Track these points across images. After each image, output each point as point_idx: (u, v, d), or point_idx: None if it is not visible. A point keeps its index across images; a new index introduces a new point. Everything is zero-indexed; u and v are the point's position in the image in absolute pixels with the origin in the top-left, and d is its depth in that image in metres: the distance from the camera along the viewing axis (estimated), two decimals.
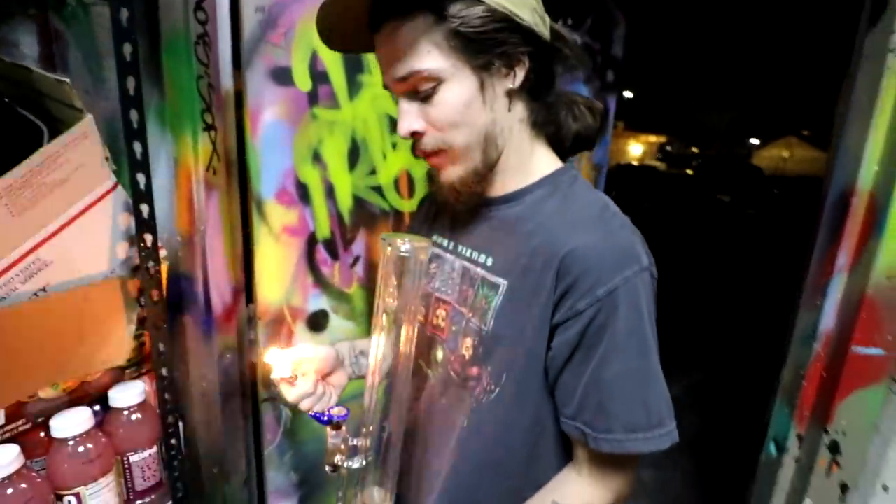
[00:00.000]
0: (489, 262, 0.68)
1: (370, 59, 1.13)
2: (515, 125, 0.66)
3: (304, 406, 0.71)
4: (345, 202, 1.17)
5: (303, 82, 1.06)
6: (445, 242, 0.77)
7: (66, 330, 0.69)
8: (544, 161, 0.70)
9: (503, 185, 0.69)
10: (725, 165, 13.01)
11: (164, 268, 0.79)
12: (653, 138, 21.21)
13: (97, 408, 0.78)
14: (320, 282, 1.19)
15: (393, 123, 1.18)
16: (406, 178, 1.25)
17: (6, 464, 0.62)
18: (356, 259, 1.22)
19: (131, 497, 0.80)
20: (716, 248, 6.45)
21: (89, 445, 0.71)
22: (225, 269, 1.05)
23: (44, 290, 0.66)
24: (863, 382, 0.80)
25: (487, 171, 0.67)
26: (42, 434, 0.74)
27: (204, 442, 1.07)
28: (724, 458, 2.29)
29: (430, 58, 0.58)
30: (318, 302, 1.19)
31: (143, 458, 0.80)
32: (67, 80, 0.61)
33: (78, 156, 0.60)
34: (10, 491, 0.62)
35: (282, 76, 1.04)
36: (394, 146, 1.21)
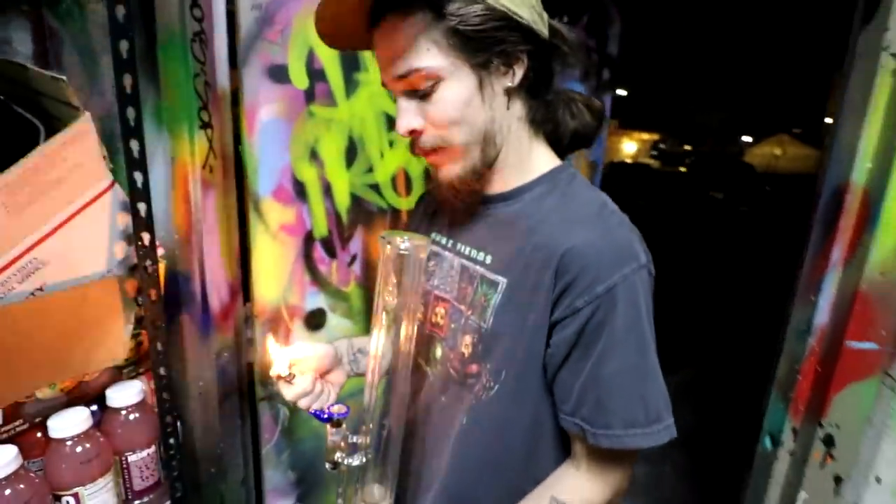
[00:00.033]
0: (488, 259, 0.68)
1: (367, 56, 1.13)
2: (514, 123, 0.66)
3: (302, 404, 0.71)
4: (342, 200, 1.17)
5: (299, 80, 1.06)
6: (444, 240, 0.77)
7: (63, 330, 0.68)
8: (543, 159, 0.70)
9: (502, 182, 0.69)
10: (718, 163, 13.09)
11: (161, 267, 0.78)
12: (646, 136, 21.27)
13: (94, 408, 0.78)
14: (318, 280, 1.18)
15: (390, 121, 1.18)
16: (403, 176, 1.25)
17: (4, 464, 0.61)
18: (354, 257, 1.22)
19: (129, 497, 0.80)
20: (709, 245, 6.49)
21: (87, 445, 0.71)
22: (222, 268, 1.04)
23: (41, 289, 0.65)
24: (857, 376, 0.81)
25: (486, 168, 0.67)
26: (39, 434, 0.73)
27: (201, 441, 1.06)
28: (718, 454, 2.31)
29: (429, 56, 0.58)
30: (316, 300, 1.19)
31: (142, 458, 0.80)
32: (64, 77, 0.60)
33: (76, 154, 0.60)
34: (8, 492, 0.62)
35: (278, 74, 1.04)
36: (391, 144, 1.21)
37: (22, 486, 0.63)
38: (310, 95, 1.08)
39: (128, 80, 0.68)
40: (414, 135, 0.65)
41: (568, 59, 0.69)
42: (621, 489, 0.66)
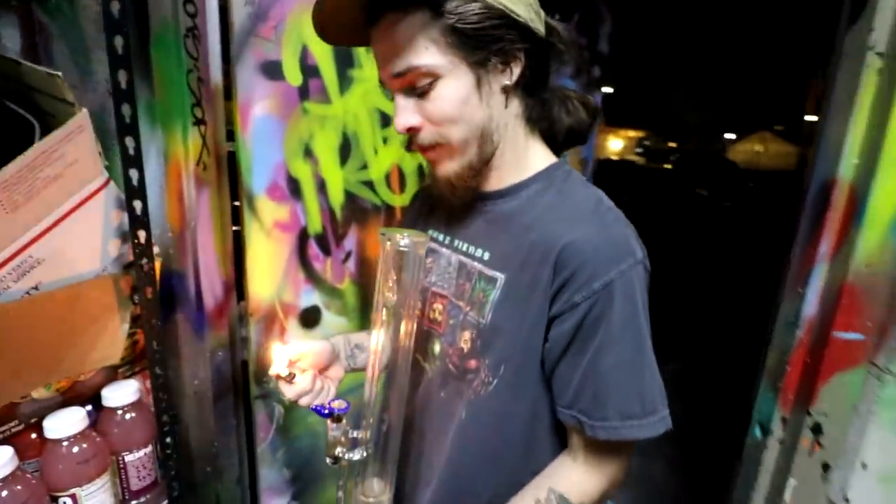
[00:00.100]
0: (486, 256, 0.69)
1: (361, 53, 1.13)
2: (511, 121, 0.66)
3: (303, 402, 0.71)
4: (336, 197, 1.17)
5: (293, 76, 1.05)
6: (441, 237, 0.78)
7: (59, 329, 0.67)
8: (539, 156, 0.71)
9: (499, 179, 0.70)
10: (702, 160, 13.25)
11: (157, 265, 0.77)
12: (632, 133, 21.47)
13: (89, 408, 0.77)
14: (312, 277, 1.18)
15: (384, 118, 1.18)
16: (397, 173, 1.25)
17: (0, 466, 0.60)
18: (348, 254, 1.22)
19: (126, 497, 0.79)
20: (695, 241, 6.59)
21: (84, 446, 0.70)
22: (216, 266, 1.04)
23: (36, 288, 0.64)
24: (843, 366, 0.84)
25: (483, 165, 0.67)
26: (34, 436, 0.72)
27: (196, 440, 1.06)
28: (707, 446, 2.35)
29: (428, 54, 0.59)
30: (311, 298, 1.19)
31: (139, 458, 0.79)
32: (59, 73, 0.60)
33: (72, 151, 0.59)
34: (4, 493, 0.61)
35: (272, 70, 1.03)
36: (385, 141, 1.21)
37: (19, 487, 0.62)
38: (304, 92, 1.07)
39: (123, 77, 0.67)
40: (412, 132, 0.65)
41: (564, 56, 0.69)
42: (618, 480, 0.67)
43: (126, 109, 0.69)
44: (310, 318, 1.20)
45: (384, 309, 0.68)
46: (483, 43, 0.59)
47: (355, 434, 0.70)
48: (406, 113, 0.63)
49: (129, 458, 0.78)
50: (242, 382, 1.15)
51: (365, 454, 0.69)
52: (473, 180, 0.68)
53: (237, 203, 1.06)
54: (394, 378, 0.69)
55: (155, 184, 0.93)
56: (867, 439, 0.80)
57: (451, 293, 0.73)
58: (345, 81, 1.12)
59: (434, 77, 0.59)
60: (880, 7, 0.78)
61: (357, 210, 1.21)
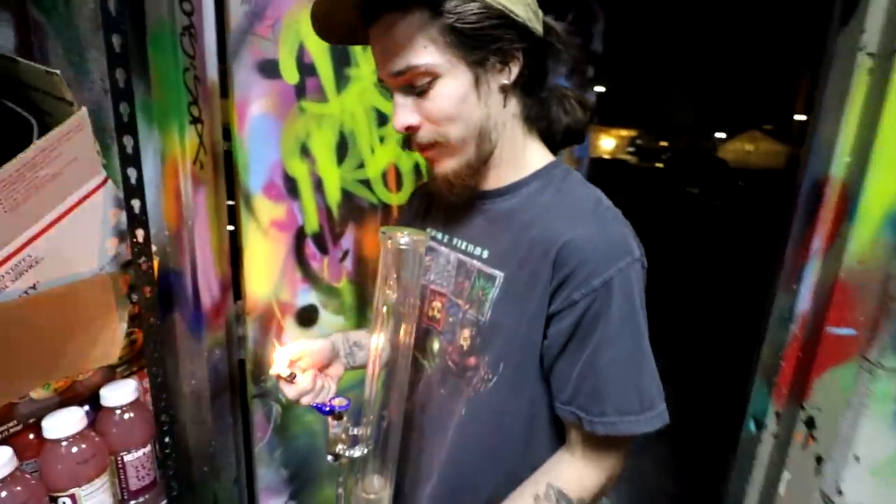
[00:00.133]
0: (485, 254, 0.69)
1: (357, 52, 1.13)
2: (509, 120, 0.67)
3: (304, 401, 0.72)
4: (333, 196, 1.17)
5: (290, 75, 1.05)
6: (440, 235, 0.78)
7: (57, 328, 0.67)
8: (537, 155, 0.71)
9: (497, 178, 0.70)
10: (693, 159, 13.34)
11: (155, 263, 0.77)
12: (624, 132, 21.57)
13: (86, 408, 0.77)
14: (309, 276, 1.18)
15: (380, 117, 1.18)
16: (394, 172, 1.25)
17: (0, 466, 0.60)
18: (345, 253, 1.22)
19: (125, 497, 0.79)
20: (687, 239, 6.64)
21: (83, 446, 0.70)
22: (213, 265, 1.03)
23: (34, 287, 0.64)
24: (836, 361, 0.85)
25: (481, 164, 0.67)
26: (31, 436, 0.72)
27: (194, 440, 1.05)
28: (700, 441, 2.37)
29: (427, 53, 0.59)
30: (308, 297, 1.19)
31: (138, 458, 0.79)
32: (58, 72, 0.59)
33: (71, 149, 0.59)
34: (4, 494, 0.61)
35: (269, 69, 1.03)
36: (381, 140, 1.21)
37: (18, 488, 0.62)
38: (300, 91, 1.07)
39: (121, 75, 0.67)
40: (410, 131, 0.65)
41: (561, 56, 0.70)
42: (615, 474, 0.67)
43: (124, 108, 0.68)
44: (307, 318, 1.20)
45: (385, 307, 0.68)
46: (482, 42, 0.59)
47: (356, 431, 0.70)
48: (405, 111, 0.63)
49: (127, 457, 0.78)
50: (239, 382, 1.15)
51: (365, 451, 0.70)
52: (472, 179, 0.68)
53: (233, 202, 1.06)
54: (394, 375, 0.70)
55: (151, 183, 0.92)
56: (860, 432, 0.82)
57: (450, 291, 0.74)
58: (341, 80, 1.12)
59: (433, 76, 0.60)
60: (871, 9, 0.79)
61: (354, 209, 1.21)
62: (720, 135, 20.55)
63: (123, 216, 0.72)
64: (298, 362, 0.71)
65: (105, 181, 0.70)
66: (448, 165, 0.66)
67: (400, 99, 0.63)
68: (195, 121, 0.95)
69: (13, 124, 0.65)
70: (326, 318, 1.22)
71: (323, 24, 0.66)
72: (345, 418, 0.70)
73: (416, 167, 1.28)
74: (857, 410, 0.81)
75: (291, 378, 0.69)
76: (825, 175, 0.88)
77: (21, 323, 0.63)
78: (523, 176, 0.69)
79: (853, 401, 0.82)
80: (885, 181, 0.79)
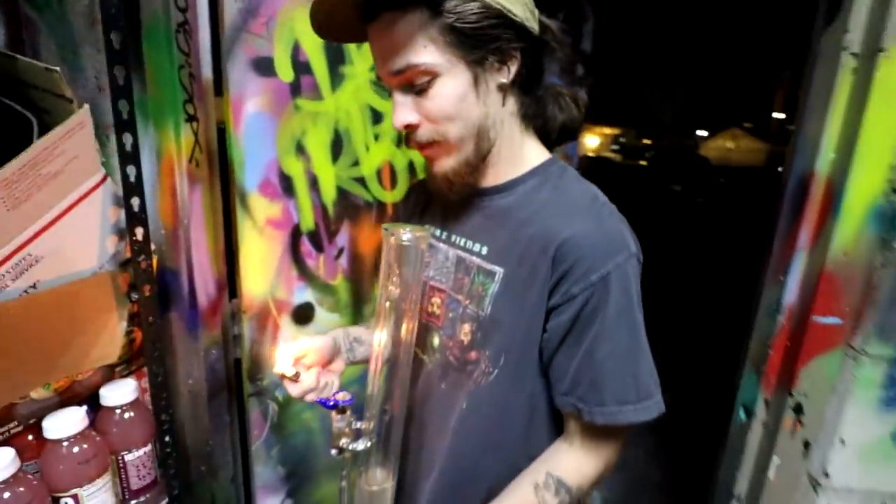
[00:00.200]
0: (484, 250, 0.70)
1: (352, 50, 1.13)
2: (507, 118, 0.68)
3: (308, 399, 0.72)
4: (328, 194, 1.17)
5: (285, 73, 1.05)
6: (438, 232, 0.79)
7: (57, 327, 0.66)
8: (534, 152, 0.72)
9: (495, 175, 0.71)
10: (676, 156, 13.49)
11: (154, 262, 0.77)
12: (608, 130, 21.76)
13: (85, 408, 0.76)
14: (305, 274, 1.18)
15: (375, 115, 1.19)
16: (388, 170, 1.25)
17: (3, 467, 0.60)
18: (340, 251, 1.22)
19: (126, 497, 0.79)
20: (671, 236, 6.73)
21: (84, 446, 0.69)
22: (209, 264, 1.03)
23: (34, 286, 0.63)
24: (822, 349, 0.89)
25: (479, 162, 0.68)
26: (31, 437, 0.71)
27: (191, 439, 1.05)
28: (688, 433, 2.42)
29: (427, 52, 0.59)
30: (303, 295, 1.19)
31: (138, 457, 0.78)
32: (58, 69, 0.59)
33: (73, 147, 0.58)
34: (7, 495, 0.60)
35: (264, 66, 1.02)
36: (376, 138, 1.21)
37: (21, 488, 0.61)
38: (295, 88, 1.07)
39: (120, 72, 0.67)
40: (409, 129, 0.65)
41: (557, 54, 0.71)
42: (612, 463, 0.69)
43: (123, 105, 0.68)
44: (303, 315, 1.20)
45: (387, 302, 0.69)
46: (481, 42, 0.60)
47: (359, 425, 0.71)
48: (404, 110, 0.64)
49: (128, 457, 0.77)
50: (236, 380, 1.15)
51: (368, 444, 0.71)
52: (470, 176, 0.69)
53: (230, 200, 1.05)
54: (396, 370, 0.71)
55: (147, 181, 0.91)
56: (845, 417, 0.85)
57: (450, 287, 0.74)
58: (336, 78, 1.12)
59: (432, 75, 0.60)
60: (854, 10, 0.82)
61: (349, 206, 1.21)
62: (702, 133, 20.85)
63: (122, 214, 0.72)
64: (303, 360, 0.72)
65: (104, 179, 0.69)
66: (447, 164, 0.67)
67: (399, 97, 0.64)
68: (190, 119, 0.94)
69: (12, 122, 0.64)
70: (322, 315, 1.22)
71: (321, 22, 0.66)
72: (348, 412, 0.71)
73: (411, 165, 1.28)
74: (843, 396, 0.85)
75: (296, 377, 0.69)
76: (811, 171, 0.91)
77: (22, 322, 0.62)
78: (521, 173, 0.70)
79: (839, 387, 0.85)
80: (869, 177, 0.82)
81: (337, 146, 1.16)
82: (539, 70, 0.69)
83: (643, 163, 14.26)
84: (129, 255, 0.73)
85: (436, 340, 0.77)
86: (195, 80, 0.94)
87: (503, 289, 0.67)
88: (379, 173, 1.24)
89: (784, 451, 0.96)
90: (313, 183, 1.14)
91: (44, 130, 0.60)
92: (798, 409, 0.93)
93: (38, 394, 0.68)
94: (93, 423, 0.75)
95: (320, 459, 1.30)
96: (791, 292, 0.96)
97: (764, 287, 1.01)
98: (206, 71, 0.97)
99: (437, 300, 0.77)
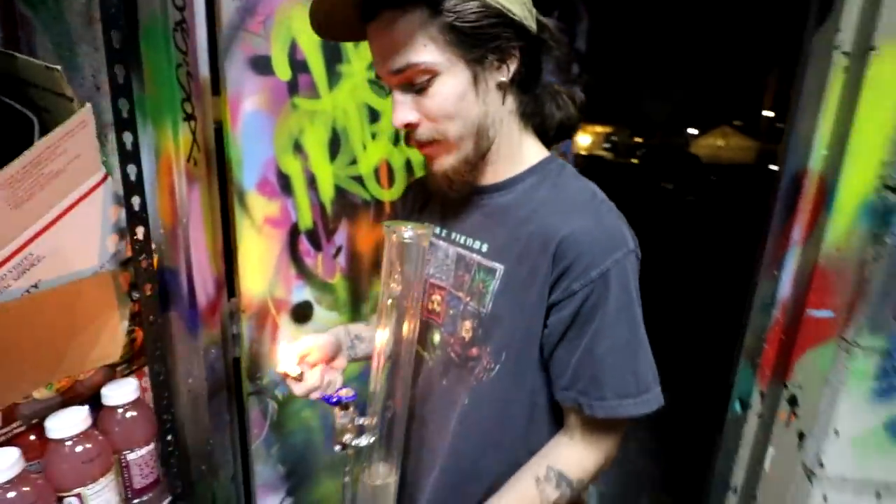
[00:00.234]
0: (484, 248, 0.71)
1: (349, 48, 1.13)
2: (506, 116, 0.68)
3: (312, 397, 0.72)
4: (326, 192, 1.17)
5: (282, 71, 1.05)
6: (438, 230, 0.79)
7: (59, 327, 0.66)
8: (533, 150, 0.73)
9: (494, 173, 0.72)
10: (667, 155, 13.55)
11: (154, 261, 0.77)
12: (599, 129, 21.83)
13: (87, 407, 0.76)
14: (303, 273, 1.18)
15: (372, 114, 1.19)
16: (386, 168, 1.26)
17: (8, 467, 0.59)
18: (339, 249, 1.22)
19: (130, 496, 0.78)
20: (664, 234, 6.78)
21: (87, 445, 0.69)
22: (208, 263, 1.03)
23: (35, 286, 0.63)
24: (816, 341, 0.91)
25: (478, 160, 0.69)
26: (33, 437, 0.71)
27: (192, 439, 1.05)
28: (681, 429, 2.44)
29: (427, 52, 0.60)
30: (302, 293, 1.19)
31: (141, 456, 0.78)
32: (59, 67, 0.59)
33: (75, 146, 0.58)
34: (12, 495, 0.60)
35: (261, 65, 1.02)
36: (373, 136, 1.21)
37: (26, 488, 0.61)
38: (293, 87, 1.07)
39: (120, 71, 0.66)
40: (409, 128, 0.66)
41: (554, 53, 0.72)
42: (612, 456, 0.70)
43: (123, 104, 0.68)
44: (301, 314, 1.20)
45: (389, 300, 0.69)
46: (480, 41, 0.61)
47: (362, 421, 0.72)
48: (404, 109, 0.64)
49: (130, 456, 0.77)
50: (235, 380, 1.15)
51: (371, 440, 0.71)
52: (470, 175, 0.70)
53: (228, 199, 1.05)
54: (398, 367, 0.71)
55: (146, 180, 0.91)
56: (838, 408, 0.87)
57: (450, 284, 0.75)
58: (333, 76, 1.12)
59: (432, 74, 0.61)
60: (846, 9, 0.84)
61: (347, 205, 1.21)
62: (692, 131, 20.98)
63: (122, 213, 0.72)
64: (307, 358, 0.72)
65: (105, 178, 0.69)
66: (446, 162, 0.67)
67: (399, 96, 0.64)
68: (188, 117, 0.94)
69: (11, 121, 0.64)
70: (321, 313, 1.23)
71: (322, 22, 0.67)
72: (351, 409, 0.71)
73: (408, 163, 1.28)
74: (836, 387, 0.86)
75: (300, 376, 0.69)
76: (804, 168, 0.92)
77: (24, 323, 0.62)
78: (520, 171, 0.71)
79: (832, 379, 0.87)
80: (860, 173, 0.84)
81: (334, 145, 1.16)
82: (537, 68, 0.70)
83: (635, 161, 14.32)
84: (129, 254, 0.73)
85: (436, 337, 0.77)
86: (193, 79, 0.93)
87: (504, 285, 0.68)
88: (376, 172, 1.24)
89: (779, 442, 0.98)
90: (311, 181, 1.14)
91: (44, 129, 0.60)
92: (793, 401, 0.94)
93: (40, 394, 0.68)
94: (94, 423, 0.75)
95: (320, 458, 1.30)
96: (785, 287, 0.97)
97: (758, 282, 1.03)
98: (203, 70, 0.97)
99: (437, 297, 0.77)
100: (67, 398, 0.74)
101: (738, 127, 19.50)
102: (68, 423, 0.68)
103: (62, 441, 0.67)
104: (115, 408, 0.76)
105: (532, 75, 0.69)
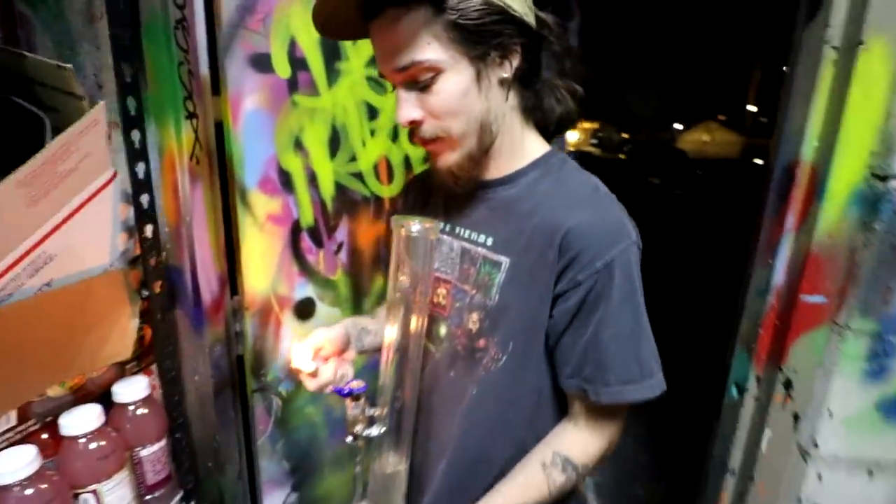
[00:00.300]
0: (489, 241, 0.72)
1: (347, 46, 1.14)
2: (508, 112, 0.70)
3: (325, 390, 0.73)
4: (327, 189, 1.18)
5: (282, 69, 1.05)
6: (441, 225, 0.80)
7: (72, 325, 0.67)
8: (534, 145, 0.74)
9: (497, 168, 0.73)
10: (654, 150, 13.68)
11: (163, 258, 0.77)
12: (587, 125, 21.94)
13: (99, 405, 0.76)
14: (306, 270, 1.19)
15: (371, 111, 1.20)
16: (385, 165, 1.27)
17: (26, 464, 0.60)
18: (340, 246, 1.23)
19: (142, 492, 0.79)
20: (653, 228, 6.85)
21: (102, 442, 0.70)
22: (212, 261, 1.03)
23: (48, 284, 0.63)
24: (810, 326, 0.94)
25: (482, 155, 0.70)
26: (45, 435, 0.71)
27: (199, 436, 1.05)
28: (676, 418, 2.48)
29: (430, 49, 0.61)
30: (305, 290, 1.20)
31: (153, 452, 0.79)
32: (70, 66, 0.59)
33: (87, 144, 0.59)
34: (30, 492, 0.60)
35: (261, 63, 1.03)
36: (372, 133, 1.22)
37: (44, 485, 0.62)
38: (293, 85, 1.07)
39: (127, 69, 0.67)
40: (413, 125, 0.66)
41: (554, 48, 0.73)
42: (615, 441, 0.72)
43: (131, 103, 0.69)
44: (304, 311, 1.21)
45: (398, 293, 0.71)
46: (483, 38, 0.62)
47: (372, 412, 0.73)
48: (408, 106, 0.65)
49: (143, 453, 0.78)
50: (239, 377, 1.15)
51: (382, 430, 0.72)
52: (474, 170, 0.71)
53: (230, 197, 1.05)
54: (406, 358, 0.72)
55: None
56: (832, 389, 0.90)
57: (455, 278, 0.76)
58: (332, 74, 1.13)
59: (436, 71, 0.62)
60: (835, 5, 0.86)
61: (347, 202, 1.22)
62: (678, 126, 21.18)
63: (131, 211, 0.72)
64: (321, 352, 0.72)
65: (114, 176, 0.69)
66: (451, 158, 0.68)
67: (403, 94, 0.65)
68: (190, 116, 0.94)
69: (20, 121, 0.64)
70: (323, 310, 1.23)
71: (324, 21, 0.67)
72: (362, 400, 0.72)
73: (407, 160, 1.30)
74: (829, 370, 0.90)
75: (315, 372, 0.70)
76: (796, 159, 0.95)
77: (38, 321, 0.62)
78: (522, 165, 0.72)
79: (825, 361, 0.90)
80: (850, 163, 0.87)
81: (334, 142, 1.16)
82: (538, 64, 0.71)
83: (622, 156, 14.44)
84: (138, 251, 0.74)
85: (442, 330, 0.78)
86: (194, 77, 0.94)
87: (510, 277, 0.69)
88: (376, 168, 1.25)
89: (775, 424, 1.01)
90: (312, 179, 1.15)
91: (55, 128, 0.60)
92: (788, 384, 0.98)
93: (53, 391, 0.69)
94: (106, 420, 0.75)
95: (325, 453, 1.31)
96: (779, 273, 1.00)
97: (753, 270, 1.06)
98: (204, 68, 0.97)
99: (442, 291, 0.78)
100: (79, 396, 0.74)
101: (722, 122, 19.73)
102: (82, 420, 0.68)
103: (76, 438, 0.68)
104: (126, 405, 0.77)
105: (533, 71, 0.70)
